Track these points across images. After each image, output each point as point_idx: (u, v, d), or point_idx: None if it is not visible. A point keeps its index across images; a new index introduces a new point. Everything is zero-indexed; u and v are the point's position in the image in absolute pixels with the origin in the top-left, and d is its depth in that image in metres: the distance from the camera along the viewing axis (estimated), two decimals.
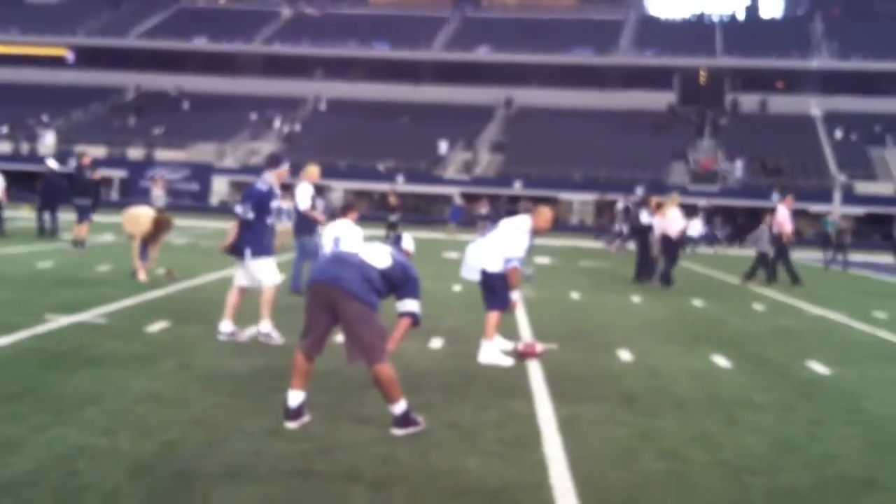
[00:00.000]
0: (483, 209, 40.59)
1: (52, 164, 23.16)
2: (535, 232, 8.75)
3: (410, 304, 5.99)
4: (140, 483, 4.58)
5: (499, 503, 4.60)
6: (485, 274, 8.63)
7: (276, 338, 8.79)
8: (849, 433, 6.41)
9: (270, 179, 8.96)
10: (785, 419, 6.75)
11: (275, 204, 9.03)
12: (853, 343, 11.07)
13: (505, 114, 60.25)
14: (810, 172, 49.62)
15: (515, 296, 8.73)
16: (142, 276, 13.45)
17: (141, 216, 13.90)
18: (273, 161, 9.18)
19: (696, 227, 36.69)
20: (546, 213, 8.84)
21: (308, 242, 12.66)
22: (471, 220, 39.74)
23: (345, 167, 49.69)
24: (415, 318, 6.02)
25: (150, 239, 13.87)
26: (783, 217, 18.63)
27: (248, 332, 8.93)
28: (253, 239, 8.78)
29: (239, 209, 8.78)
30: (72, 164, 22.18)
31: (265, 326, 8.84)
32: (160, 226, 13.90)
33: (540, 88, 61.79)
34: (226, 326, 8.89)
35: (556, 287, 15.50)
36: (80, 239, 18.39)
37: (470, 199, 48.38)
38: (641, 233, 17.52)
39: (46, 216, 22.15)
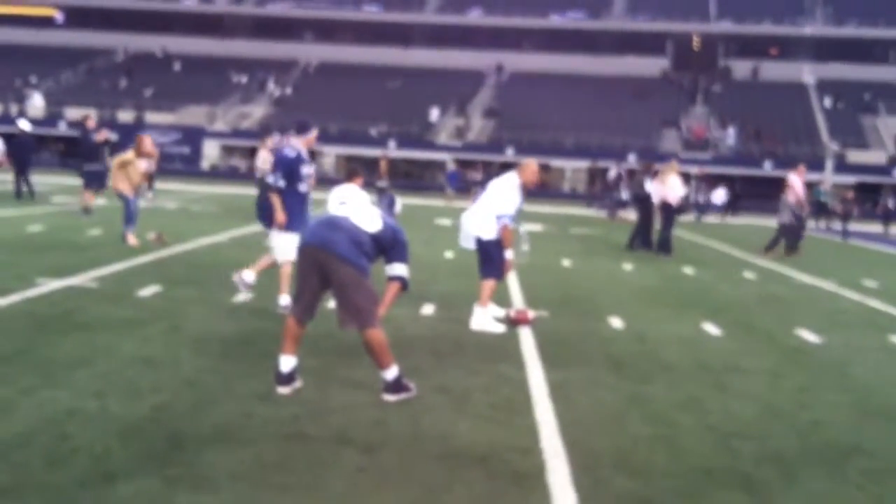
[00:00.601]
0: (478, 175, 40.52)
1: (25, 125, 22.59)
2: (524, 186, 8.74)
3: (399, 269, 5.98)
4: (130, 445, 4.60)
5: (489, 466, 4.62)
6: (480, 241, 8.63)
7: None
8: (836, 400, 6.46)
9: (298, 146, 8.60)
10: (773, 385, 6.79)
11: (305, 170, 8.62)
12: (842, 311, 11.13)
13: (497, 79, 59.94)
14: (802, 140, 49.58)
15: (509, 255, 8.72)
16: (132, 240, 13.41)
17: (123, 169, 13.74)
18: (301, 127, 8.73)
19: (720, 196, 36.59)
20: (532, 166, 8.87)
21: None
22: (467, 186, 39.68)
23: (336, 132, 49.47)
24: (404, 283, 6.01)
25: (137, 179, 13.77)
26: (797, 186, 18.56)
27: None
28: (280, 209, 8.48)
29: (270, 178, 8.49)
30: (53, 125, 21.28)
31: (284, 300, 8.58)
32: (128, 163, 13.70)
33: (532, 53, 61.46)
34: (283, 299, 8.59)
35: (548, 254, 15.52)
36: (87, 206, 17.82)
37: (463, 164, 48.27)
38: (643, 200, 17.48)
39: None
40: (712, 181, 38.72)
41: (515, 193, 8.64)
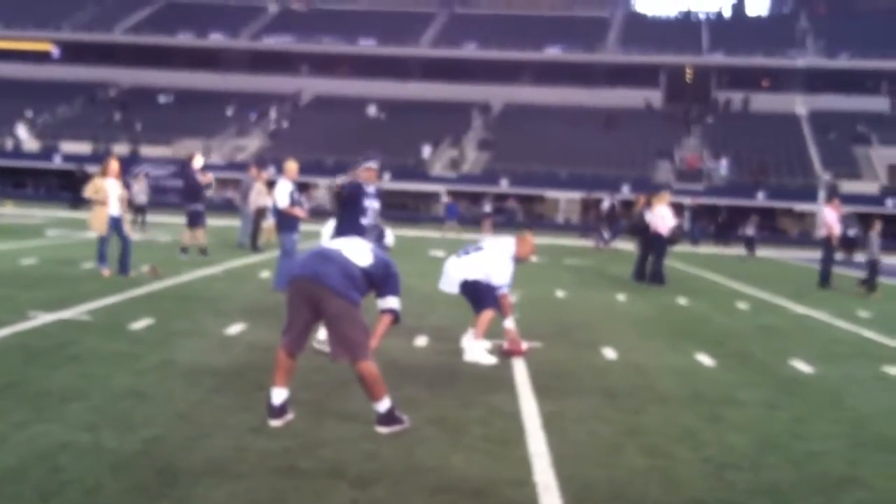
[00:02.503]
0: (487, 206, 40.58)
1: None
2: (518, 259, 8.82)
3: (391, 301, 5.98)
4: (123, 479, 4.57)
5: (483, 499, 4.60)
6: (466, 283, 8.66)
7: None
8: (831, 431, 6.45)
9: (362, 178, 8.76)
10: (768, 417, 6.78)
11: (366, 203, 8.71)
12: (836, 341, 11.13)
13: (492, 111, 60.23)
14: (795, 171, 49.81)
15: (509, 323, 8.80)
16: (105, 272, 13.35)
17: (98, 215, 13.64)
18: (365, 161, 8.98)
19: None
20: (530, 240, 8.96)
21: (287, 240, 12.53)
22: (463, 218, 39.75)
23: (331, 164, 49.58)
24: (396, 315, 6.01)
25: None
26: (831, 219, 18.49)
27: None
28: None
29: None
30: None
31: (322, 334, 8.40)
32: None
33: (527, 86, 61.85)
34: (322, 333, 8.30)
35: (542, 285, 15.52)
36: (200, 245, 17.67)
37: (456, 196, 48.37)
38: (643, 232, 17.51)
39: None
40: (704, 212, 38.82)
41: (511, 265, 8.74)
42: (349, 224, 8.61)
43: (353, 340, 5.60)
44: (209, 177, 18.30)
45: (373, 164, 8.89)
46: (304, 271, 5.69)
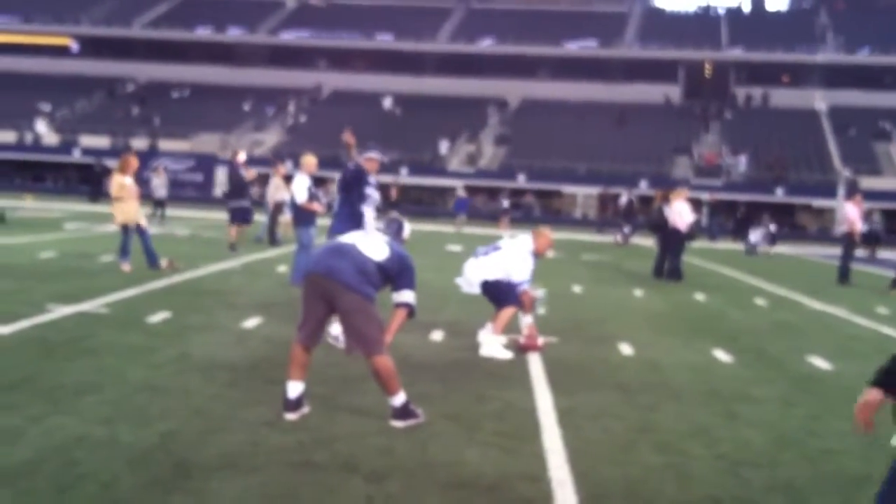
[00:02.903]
0: (506, 202, 40.51)
1: None
2: (537, 254, 8.83)
3: (406, 295, 5.99)
4: (138, 473, 4.59)
5: (497, 495, 4.60)
6: (486, 283, 8.68)
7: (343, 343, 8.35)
8: (847, 428, 6.39)
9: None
10: (784, 413, 6.75)
11: (368, 190, 9.06)
12: (854, 338, 11.06)
13: (509, 106, 60.13)
14: (814, 167, 49.52)
15: (529, 320, 8.83)
16: (126, 267, 13.39)
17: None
18: (367, 151, 9.28)
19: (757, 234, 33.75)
20: (547, 234, 8.99)
21: (304, 234, 12.57)
22: (475, 212, 39.71)
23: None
24: (411, 309, 6.02)
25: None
26: (853, 215, 18.40)
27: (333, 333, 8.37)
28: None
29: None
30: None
31: (335, 329, 8.34)
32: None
33: (544, 81, 61.70)
34: (335, 328, 8.19)
35: (558, 280, 15.49)
36: (231, 240, 17.82)
37: (473, 191, 48.34)
38: (662, 228, 17.46)
39: None
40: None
41: (531, 260, 8.74)
42: (349, 209, 8.72)
43: (368, 335, 5.61)
44: (252, 172, 18.39)
45: (374, 155, 9.07)
46: (318, 267, 5.71)
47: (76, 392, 6.09)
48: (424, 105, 57.91)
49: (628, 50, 62.91)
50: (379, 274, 5.79)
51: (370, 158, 9.07)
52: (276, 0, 72.30)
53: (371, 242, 5.93)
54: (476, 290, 8.81)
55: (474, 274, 8.77)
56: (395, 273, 5.92)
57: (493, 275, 8.65)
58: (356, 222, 8.77)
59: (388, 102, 58.98)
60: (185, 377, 6.75)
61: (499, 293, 8.65)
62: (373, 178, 9.03)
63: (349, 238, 6.02)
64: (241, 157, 18.53)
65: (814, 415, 6.75)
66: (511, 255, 8.73)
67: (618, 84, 60.04)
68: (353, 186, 8.88)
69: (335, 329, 8.32)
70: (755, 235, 29.80)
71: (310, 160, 13.08)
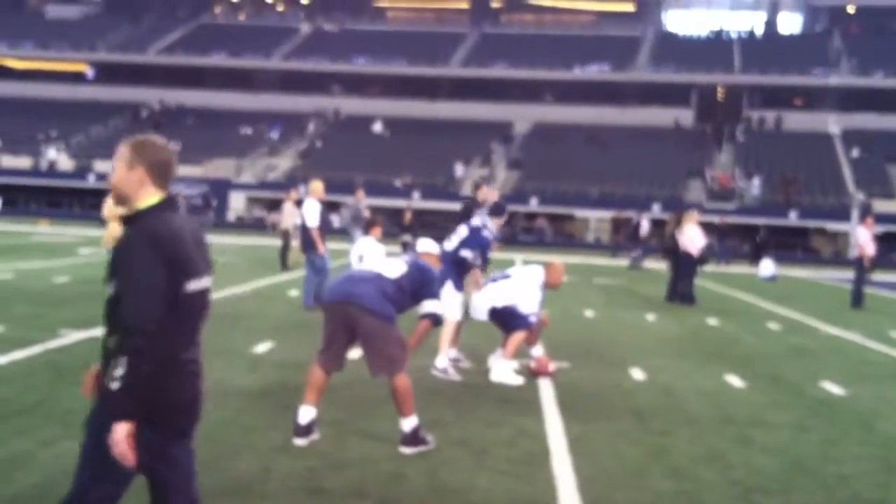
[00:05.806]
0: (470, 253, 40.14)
1: None
2: (548, 287, 8.83)
3: (430, 305, 6.11)
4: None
5: None
6: (494, 310, 8.66)
7: (452, 374, 8.40)
8: (862, 453, 6.36)
9: (493, 227, 9.22)
10: (798, 439, 6.70)
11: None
12: (868, 363, 10.98)
13: (521, 130, 60.23)
14: (828, 190, 49.35)
15: (538, 351, 8.78)
16: None
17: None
18: (498, 210, 9.58)
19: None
20: (560, 269, 9.03)
21: (316, 259, 12.62)
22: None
23: (361, 183, 49.70)
24: (435, 319, 6.16)
25: None
26: (864, 239, 18.35)
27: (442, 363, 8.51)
28: (458, 273, 8.79)
29: (469, 255, 8.81)
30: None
31: (441, 361, 8.46)
32: None
33: (557, 105, 61.79)
34: (441, 361, 8.45)
35: (571, 304, 15.46)
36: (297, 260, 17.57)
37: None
38: (674, 252, 17.43)
39: None
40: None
41: (540, 293, 8.76)
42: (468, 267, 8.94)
43: (390, 356, 5.69)
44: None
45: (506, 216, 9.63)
46: (336, 296, 5.79)
47: (87, 416, 6.08)
48: (437, 129, 58.05)
49: (641, 74, 62.99)
50: (399, 291, 5.84)
51: (500, 222, 9.53)
52: (290, 26, 72.79)
53: (387, 264, 6.02)
54: (484, 317, 8.79)
55: (483, 301, 8.76)
56: (417, 285, 6.01)
57: (502, 302, 8.64)
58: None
59: (401, 126, 59.14)
60: None
61: (507, 318, 8.63)
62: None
63: (363, 265, 6.09)
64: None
65: (828, 440, 6.69)
66: (521, 285, 8.72)
67: (631, 107, 60.08)
68: (487, 251, 9.12)
69: (440, 362, 8.39)
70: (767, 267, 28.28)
71: (317, 186, 13.10)
